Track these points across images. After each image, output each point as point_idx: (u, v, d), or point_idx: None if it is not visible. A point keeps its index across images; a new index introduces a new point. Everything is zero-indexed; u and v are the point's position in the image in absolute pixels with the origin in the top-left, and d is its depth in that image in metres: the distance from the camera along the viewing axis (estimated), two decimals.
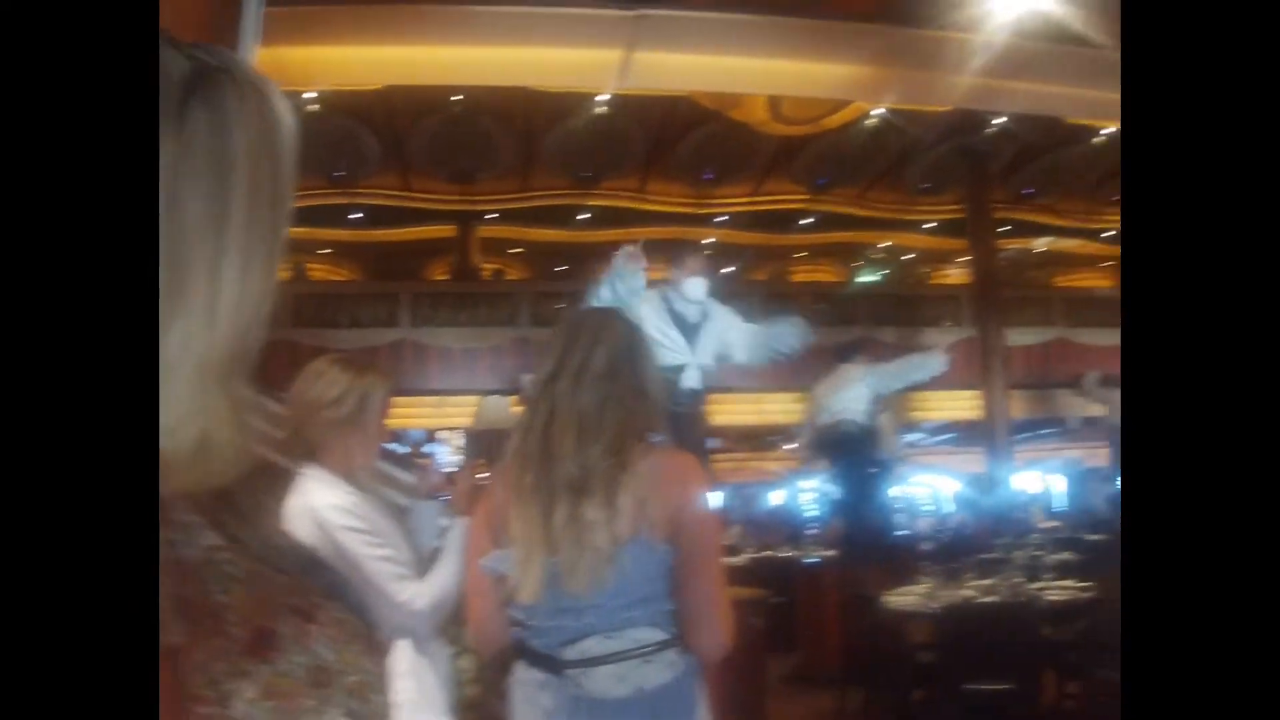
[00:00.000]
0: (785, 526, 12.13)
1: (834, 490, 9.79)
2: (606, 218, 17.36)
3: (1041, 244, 20.43)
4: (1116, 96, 3.74)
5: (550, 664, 2.13)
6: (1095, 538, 10.25)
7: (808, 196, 16.98)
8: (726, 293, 6.45)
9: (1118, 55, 4.12)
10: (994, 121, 14.04)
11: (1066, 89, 5.04)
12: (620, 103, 10.22)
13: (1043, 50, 4.61)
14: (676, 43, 4.03)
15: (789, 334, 6.36)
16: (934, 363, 9.22)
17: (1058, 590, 6.85)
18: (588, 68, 3.78)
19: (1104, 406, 14.26)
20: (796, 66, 4.28)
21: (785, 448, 16.24)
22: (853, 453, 9.00)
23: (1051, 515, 13.53)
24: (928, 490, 18.68)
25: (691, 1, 3.84)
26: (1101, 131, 14.97)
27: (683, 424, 5.33)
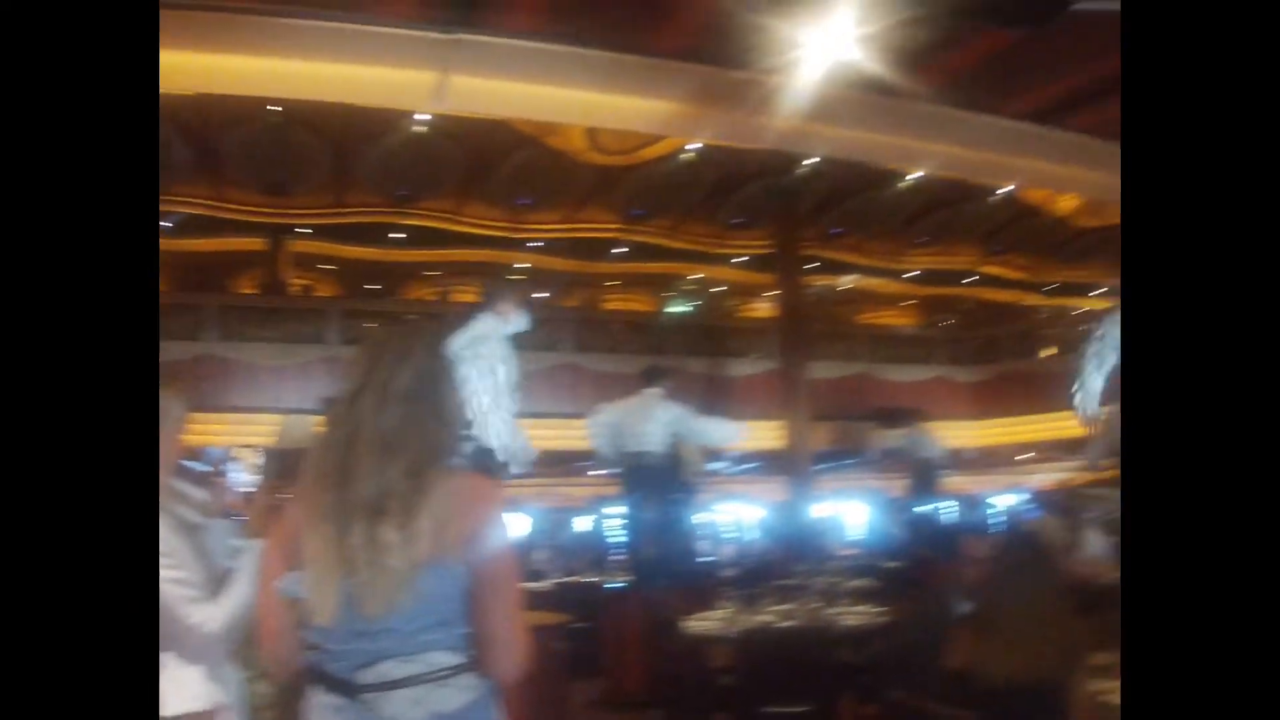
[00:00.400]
0: (590, 552, 12.14)
1: (638, 516, 9.86)
2: (420, 238, 17.14)
3: (847, 281, 21.14)
4: (921, 145, 3.88)
5: (346, 688, 2.09)
6: (891, 564, 10.63)
7: (622, 226, 17.17)
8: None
9: (923, 106, 4.28)
10: (805, 162, 14.50)
11: (873, 135, 5.26)
12: (439, 123, 10.16)
13: (851, 98, 4.80)
14: (493, 68, 4.04)
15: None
16: (734, 434, 9.58)
17: (855, 615, 7.07)
18: (404, 87, 3.76)
19: (902, 440, 14.84)
20: (611, 99, 4.34)
21: (591, 473, 16.33)
22: (656, 479, 9.10)
23: (849, 543, 13.94)
24: (730, 517, 19.02)
25: (509, 28, 3.85)
26: (908, 176, 15.62)
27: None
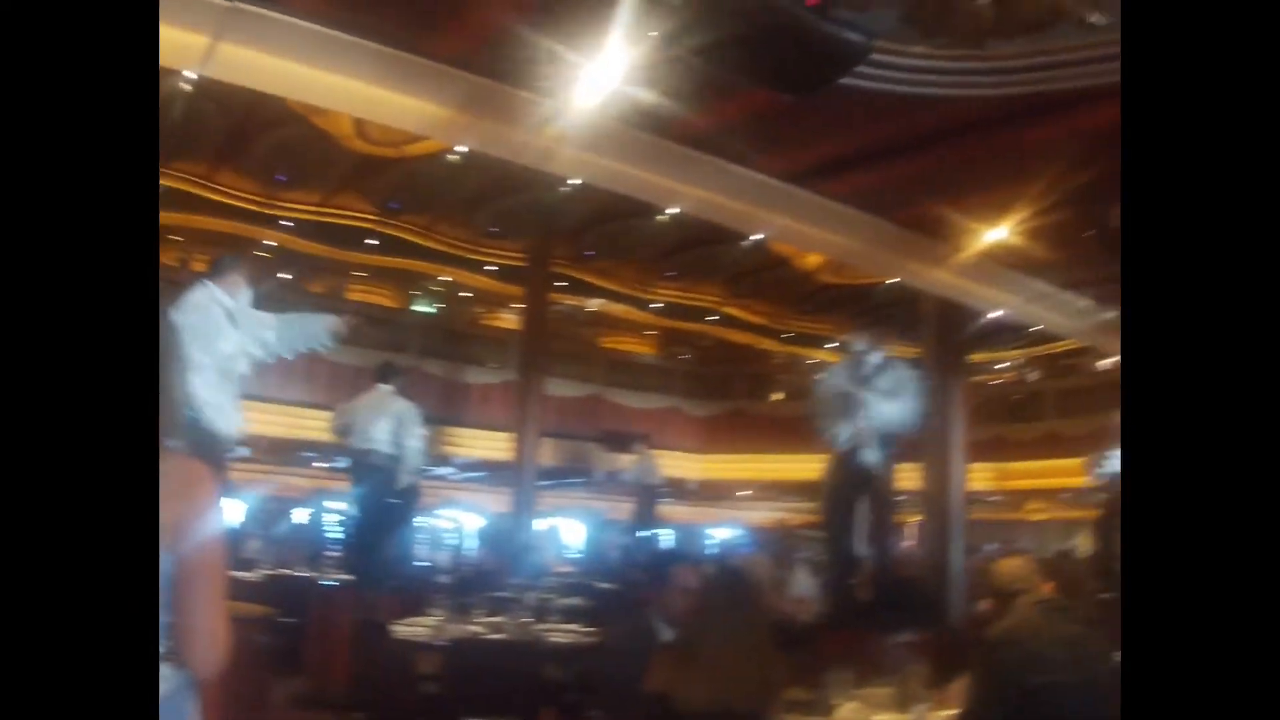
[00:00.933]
0: (305, 545, 11.83)
1: (358, 513, 9.70)
2: (168, 200, 16.29)
3: (593, 304, 21.39)
4: (679, 186, 3.96)
5: None
6: (604, 586, 10.83)
7: (377, 217, 16.81)
8: (279, 300, 6.28)
9: (687, 149, 4.41)
10: (569, 181, 14.61)
11: (633, 170, 5.39)
12: (205, 84, 9.75)
13: (619, 130, 4.90)
14: (265, 42, 3.91)
15: (319, 329, 6.26)
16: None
17: (563, 633, 7.16)
18: (171, 47, 3.59)
19: (628, 465, 15.15)
20: (381, 94, 4.28)
21: (316, 465, 15.90)
22: (380, 477, 8.98)
23: (565, 561, 14.11)
24: (450, 524, 18.91)
25: (291, 4, 3.75)
26: (667, 211, 15.94)
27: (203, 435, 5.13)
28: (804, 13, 3.83)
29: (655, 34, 3.93)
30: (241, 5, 3.63)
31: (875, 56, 4.19)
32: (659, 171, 5.44)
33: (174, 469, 2.05)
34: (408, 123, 4.89)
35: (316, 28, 3.85)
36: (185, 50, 3.87)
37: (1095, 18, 4.01)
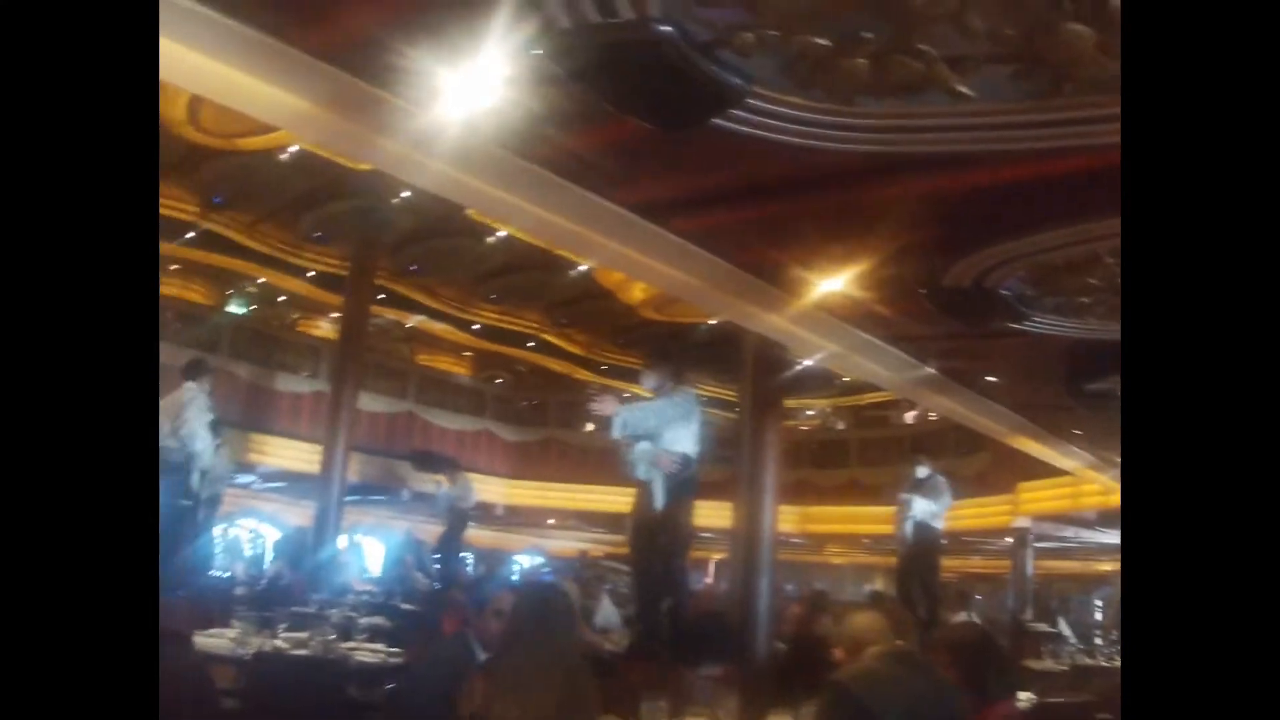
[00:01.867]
0: None
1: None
2: None
3: (413, 320, 21.12)
4: (517, 201, 3.92)
5: None
6: (408, 607, 10.65)
7: (198, 211, 16.22)
8: None
9: (538, 169, 4.37)
10: (401, 194, 14.43)
11: (487, 187, 5.34)
12: None
13: (478, 146, 4.86)
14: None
15: None
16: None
17: (368, 652, 7.01)
18: None
19: (437, 485, 14.94)
20: (234, 75, 4.11)
21: None
22: (177, 477, 8.62)
23: (370, 579, 13.82)
24: (252, 534, 18.29)
25: None
26: (498, 233, 15.90)
27: None
28: (689, 51, 3.87)
29: (537, 53, 3.91)
30: None
31: (750, 101, 4.27)
32: (509, 190, 5.40)
33: None
34: (255, 109, 4.70)
35: (185, 3, 3.69)
36: None
37: (962, 88, 4.17)
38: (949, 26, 3.80)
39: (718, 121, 4.39)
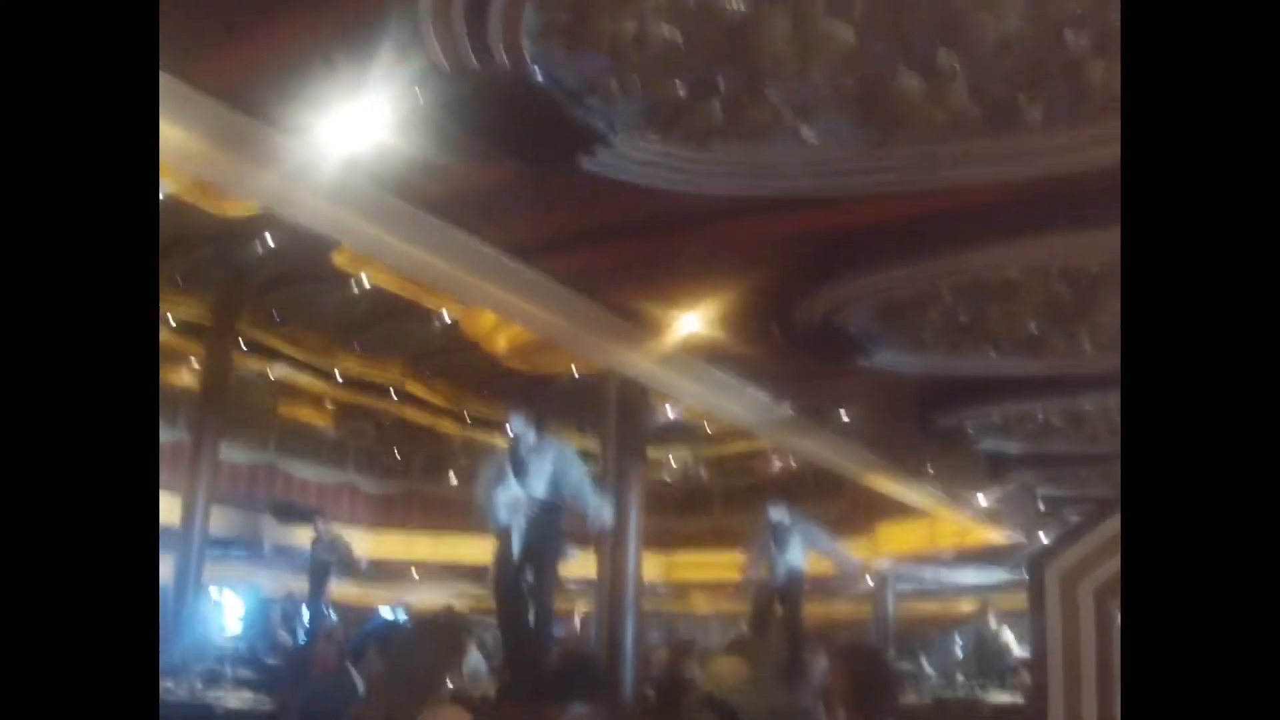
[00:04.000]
0: None
1: None
2: None
3: (276, 370, 20.78)
4: (392, 239, 4.06)
5: None
6: (273, 662, 10.54)
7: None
8: None
9: (410, 206, 4.56)
10: (267, 240, 14.33)
11: (360, 222, 5.49)
12: None
13: (355, 182, 5.02)
14: None
15: None
16: None
17: (235, 700, 6.98)
18: None
19: (299, 538, 14.70)
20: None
21: None
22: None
23: (233, 634, 13.54)
24: None
25: None
26: (363, 282, 15.85)
27: None
28: (557, 94, 4.14)
29: (418, 90, 4.12)
30: None
31: (616, 146, 4.55)
32: (384, 227, 5.57)
33: None
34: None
35: None
36: None
37: (806, 132, 4.52)
38: (793, 78, 4.16)
39: (585, 164, 4.67)
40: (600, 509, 7.09)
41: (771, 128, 4.45)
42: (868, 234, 5.49)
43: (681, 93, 4.26)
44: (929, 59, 3.97)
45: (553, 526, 6.97)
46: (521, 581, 6.90)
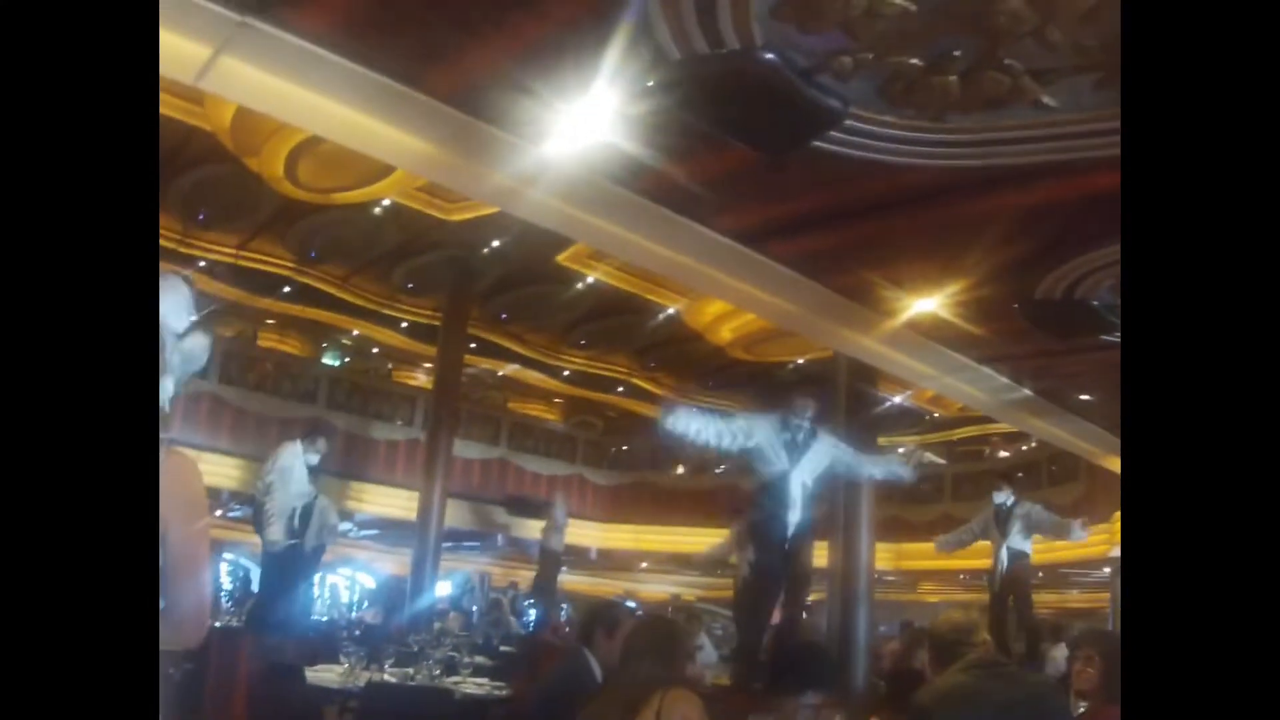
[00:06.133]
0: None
1: (262, 564, 9.67)
2: None
3: (505, 368, 21.42)
4: (622, 232, 4.03)
5: None
6: (506, 649, 10.84)
7: (294, 265, 16.68)
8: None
9: (647, 202, 4.55)
10: (492, 243, 14.78)
11: (607, 225, 5.56)
12: None
13: (591, 179, 5.07)
14: (265, 61, 3.97)
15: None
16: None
17: (472, 685, 7.17)
18: (170, 55, 3.63)
19: (533, 530, 15.10)
20: (357, 117, 4.35)
21: (220, 514, 15.56)
22: (289, 530, 8.95)
23: (468, 620, 14.01)
24: (357, 579, 18.64)
25: (298, 27, 3.85)
26: (586, 279, 16.16)
27: None
28: (791, 75, 4.07)
29: (649, 84, 4.12)
30: (252, 22, 3.72)
31: (848, 123, 4.45)
32: (615, 221, 5.61)
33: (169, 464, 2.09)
34: (380, 151, 4.97)
35: (320, 51, 3.95)
36: (184, 61, 3.94)
37: (1047, 99, 4.31)
38: (1032, 41, 3.96)
39: (817, 144, 4.58)
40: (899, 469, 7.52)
41: (1009, 95, 4.26)
42: (1109, 202, 5.19)
43: (916, 64, 4.12)
44: None
45: (811, 517, 6.93)
46: (783, 570, 6.87)
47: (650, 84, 4.12)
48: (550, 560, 15.02)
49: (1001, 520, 10.43)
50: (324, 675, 6.89)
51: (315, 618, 12.49)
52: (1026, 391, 8.82)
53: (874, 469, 7.50)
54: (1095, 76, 4.17)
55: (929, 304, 6.66)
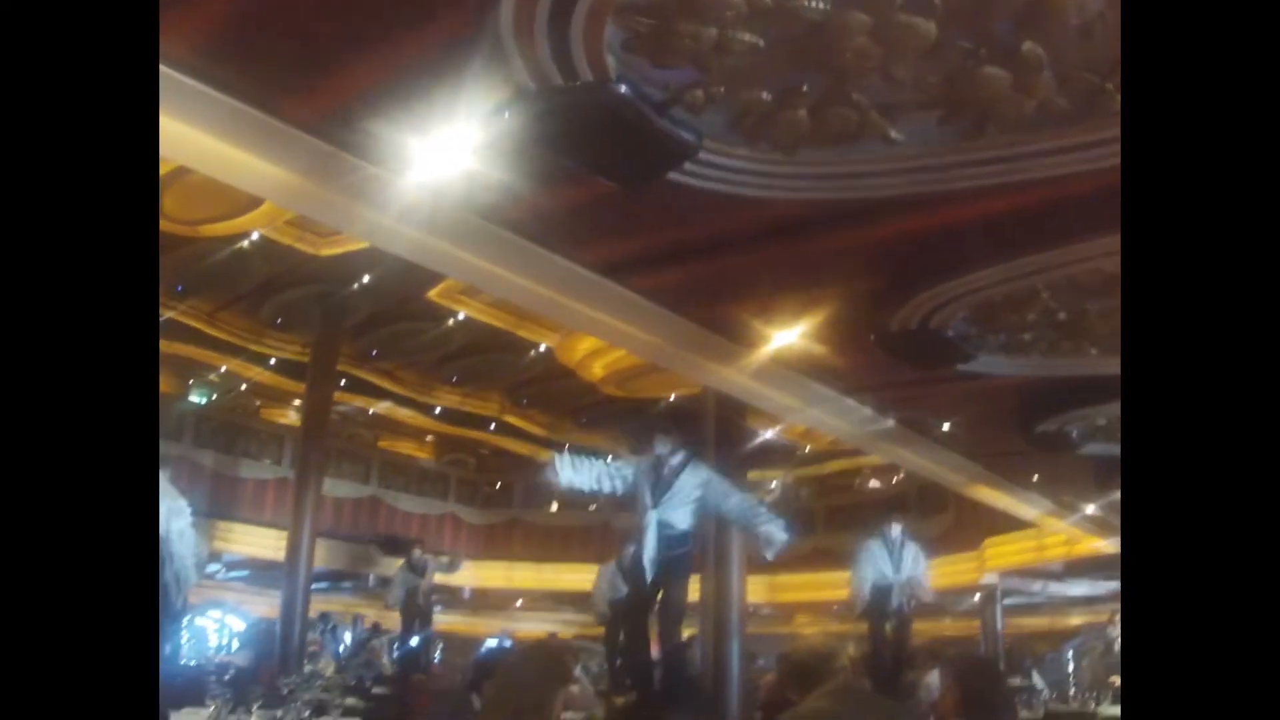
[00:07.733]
0: None
1: None
2: None
3: (376, 406, 21.17)
4: (487, 265, 4.06)
5: None
6: (379, 690, 10.66)
7: (160, 300, 16.26)
8: None
9: (506, 234, 4.57)
10: (363, 278, 14.63)
11: (470, 258, 5.56)
12: None
13: (451, 212, 5.07)
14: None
15: None
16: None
17: None
18: None
19: (402, 569, 14.84)
20: (220, 147, 4.29)
21: None
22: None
23: (338, 662, 13.73)
24: (221, 621, 18.10)
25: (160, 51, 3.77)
26: (459, 315, 16.08)
27: None
28: (644, 108, 4.14)
29: (505, 115, 4.14)
30: None
31: (702, 156, 4.54)
32: (478, 255, 5.61)
33: None
34: (244, 181, 4.90)
35: (183, 78, 3.90)
36: None
37: (894, 134, 4.46)
38: (878, 77, 4.11)
39: (673, 177, 4.65)
40: (773, 530, 6.96)
41: (858, 130, 4.41)
42: (960, 234, 5.40)
43: (766, 98, 4.23)
44: (1012, 49, 3.89)
45: (688, 552, 6.85)
46: (649, 607, 6.81)
47: (507, 115, 4.14)
48: (419, 599, 14.78)
49: (880, 554, 10.38)
50: (193, 719, 6.72)
51: (180, 660, 12.09)
52: (890, 422, 9.02)
53: (749, 525, 7.25)
54: (939, 112, 4.34)
55: (790, 336, 6.78)
